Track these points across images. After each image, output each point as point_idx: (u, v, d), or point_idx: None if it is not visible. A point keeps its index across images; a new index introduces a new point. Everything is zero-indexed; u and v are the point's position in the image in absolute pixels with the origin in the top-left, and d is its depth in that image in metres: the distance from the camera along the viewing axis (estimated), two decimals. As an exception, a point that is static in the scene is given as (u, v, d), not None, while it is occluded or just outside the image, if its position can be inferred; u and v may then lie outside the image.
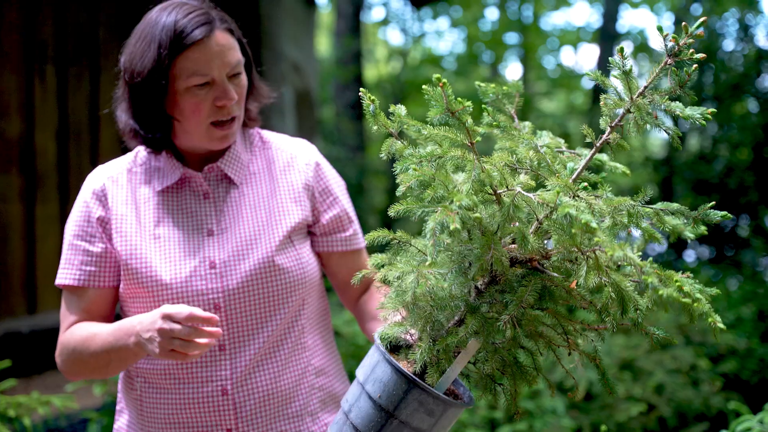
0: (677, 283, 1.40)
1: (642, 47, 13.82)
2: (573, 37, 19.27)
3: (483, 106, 1.84)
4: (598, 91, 13.87)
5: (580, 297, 1.56)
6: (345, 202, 2.29)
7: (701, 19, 1.55)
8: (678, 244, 10.07)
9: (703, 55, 1.56)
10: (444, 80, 1.48)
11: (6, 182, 6.31)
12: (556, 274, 1.55)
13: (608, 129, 1.64)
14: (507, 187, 1.53)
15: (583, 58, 36.46)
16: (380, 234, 1.63)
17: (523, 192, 1.51)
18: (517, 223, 1.53)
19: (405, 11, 16.75)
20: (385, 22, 17.98)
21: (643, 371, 5.16)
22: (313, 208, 2.23)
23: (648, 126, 1.59)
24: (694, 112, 1.52)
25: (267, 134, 2.33)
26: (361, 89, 1.70)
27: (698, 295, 1.40)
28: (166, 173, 2.16)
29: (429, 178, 1.47)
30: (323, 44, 17.73)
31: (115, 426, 2.27)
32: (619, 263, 1.46)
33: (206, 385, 2.07)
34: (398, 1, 16.75)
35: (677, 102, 1.56)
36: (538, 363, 1.67)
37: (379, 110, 1.66)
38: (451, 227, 1.37)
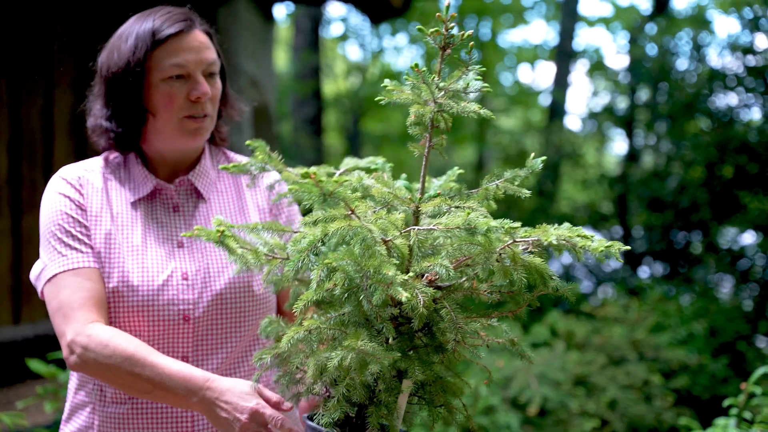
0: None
1: (598, 65, 13.97)
2: (530, 54, 19.43)
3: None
4: (555, 108, 14.01)
5: (488, 293, 1.64)
6: (298, 220, 2.31)
7: (447, 2, 1.64)
8: (633, 261, 10.17)
9: (471, 31, 1.66)
10: (314, 172, 1.53)
11: (-43, 196, 6.22)
12: (450, 283, 1.60)
13: (426, 136, 1.70)
14: (400, 231, 1.58)
15: (540, 75, 36.81)
16: (294, 333, 1.60)
17: (421, 228, 1.58)
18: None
19: (363, 27, 16.79)
20: (343, 37, 17.99)
21: (596, 387, 5.20)
22: None
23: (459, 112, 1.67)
24: (477, 84, 1.65)
25: (232, 155, 2.37)
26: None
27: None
28: (138, 184, 2.17)
29: (343, 262, 1.48)
30: (281, 59, 17.70)
31: None
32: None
33: None
34: (357, 17, 16.78)
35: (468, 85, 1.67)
36: (457, 371, 1.71)
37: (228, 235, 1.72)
38: (404, 299, 1.41)
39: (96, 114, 2.18)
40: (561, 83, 14.13)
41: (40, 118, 6.81)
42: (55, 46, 6.87)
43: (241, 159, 2.36)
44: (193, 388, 1.87)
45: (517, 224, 1.51)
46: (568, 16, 14.32)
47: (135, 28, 2.10)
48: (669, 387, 5.60)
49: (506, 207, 9.27)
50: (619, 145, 13.62)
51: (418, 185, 1.76)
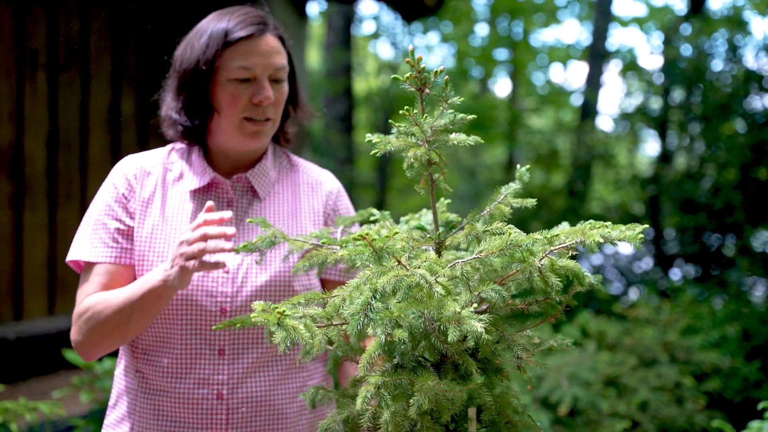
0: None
1: (631, 65, 13.89)
2: (562, 54, 19.38)
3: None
4: (587, 108, 13.95)
5: (526, 305, 1.68)
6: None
7: (410, 48, 1.68)
8: (664, 263, 10.10)
9: (442, 67, 1.68)
10: (367, 233, 1.54)
11: (-5, 188, 6.30)
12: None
13: (427, 175, 1.73)
14: (443, 268, 1.59)
15: (573, 75, 36.64)
16: (366, 392, 1.57)
17: (466, 259, 1.61)
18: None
19: (395, 25, 16.81)
20: (375, 35, 18.03)
21: (627, 388, 5.19)
22: None
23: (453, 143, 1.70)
24: (457, 116, 1.69)
25: (295, 158, 2.42)
26: None
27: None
28: (197, 175, 2.23)
29: (409, 312, 1.49)
30: (313, 56, 17.76)
31: (106, 422, 2.28)
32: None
33: (203, 388, 2.11)
34: (389, 15, 16.79)
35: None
36: (510, 386, 1.72)
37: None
38: (479, 329, 1.42)
39: (167, 105, 2.26)
40: (593, 83, 14.07)
41: (77, 111, 6.88)
42: (93, 39, 6.94)
43: (301, 161, 2.41)
44: (150, 278, 1.98)
45: (556, 232, 1.55)
46: (601, 15, 14.26)
47: (210, 26, 2.17)
48: (701, 390, 5.57)
49: (537, 207, 9.25)
50: (651, 146, 13.54)
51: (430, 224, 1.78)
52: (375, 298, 1.51)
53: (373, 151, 1.73)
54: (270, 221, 2.23)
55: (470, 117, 1.70)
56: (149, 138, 7.39)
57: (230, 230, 1.87)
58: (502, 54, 18.78)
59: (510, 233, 1.53)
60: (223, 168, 2.27)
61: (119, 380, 2.26)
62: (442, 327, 1.47)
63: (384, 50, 26.45)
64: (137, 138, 7.39)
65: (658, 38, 16.86)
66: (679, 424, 5.05)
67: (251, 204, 2.25)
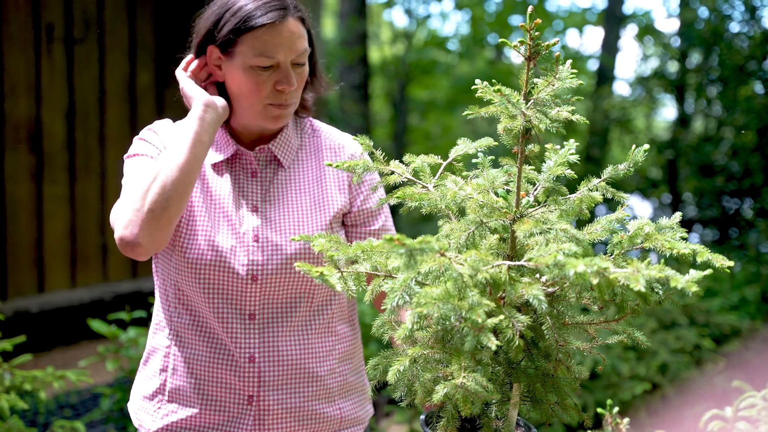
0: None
1: (647, 29, 13.77)
2: (578, 19, 19.23)
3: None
4: (603, 73, 13.87)
5: (590, 301, 1.62)
6: (379, 198, 2.31)
7: (530, 9, 1.58)
8: (682, 226, 10.06)
9: (556, 40, 1.58)
10: (398, 237, 1.40)
11: (15, 161, 6.34)
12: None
13: (518, 147, 1.65)
14: (491, 265, 1.52)
15: (589, 40, 36.35)
16: (399, 366, 1.55)
17: (513, 264, 1.53)
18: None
19: (410, -8, 16.70)
20: (389, 3, 17.92)
21: (647, 351, 5.20)
22: (351, 197, 2.29)
23: (547, 126, 1.60)
24: (567, 108, 1.61)
25: (318, 123, 2.40)
26: None
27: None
28: (221, 147, 2.23)
29: (434, 309, 1.41)
30: (328, 25, 17.69)
31: (139, 376, 2.33)
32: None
33: (235, 350, 2.14)
34: (403, -17, 16.68)
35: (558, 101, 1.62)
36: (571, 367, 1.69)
37: None
38: (493, 347, 1.35)
39: None
40: (609, 48, 13.98)
41: (94, 84, 6.91)
42: (108, 12, 6.95)
43: (323, 126, 2.39)
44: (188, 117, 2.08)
45: (608, 263, 1.37)
46: (617, -21, 14.14)
47: (229, 5, 2.11)
48: (720, 352, 5.58)
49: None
50: (668, 110, 13.47)
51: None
52: (416, 280, 1.45)
53: (466, 113, 1.66)
54: (295, 188, 2.23)
55: (575, 98, 1.62)
56: (166, 109, 7.42)
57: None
58: (517, 20, 18.66)
59: (556, 255, 1.39)
60: (246, 140, 2.26)
61: (152, 337, 2.29)
62: (464, 330, 1.41)
63: (398, 18, 26.33)
64: (155, 109, 7.41)
65: (674, 1, 16.71)
66: (698, 386, 5.07)
67: (276, 174, 2.25)
